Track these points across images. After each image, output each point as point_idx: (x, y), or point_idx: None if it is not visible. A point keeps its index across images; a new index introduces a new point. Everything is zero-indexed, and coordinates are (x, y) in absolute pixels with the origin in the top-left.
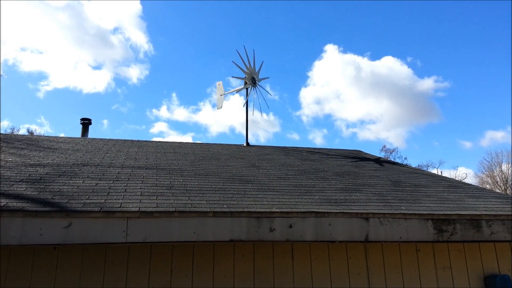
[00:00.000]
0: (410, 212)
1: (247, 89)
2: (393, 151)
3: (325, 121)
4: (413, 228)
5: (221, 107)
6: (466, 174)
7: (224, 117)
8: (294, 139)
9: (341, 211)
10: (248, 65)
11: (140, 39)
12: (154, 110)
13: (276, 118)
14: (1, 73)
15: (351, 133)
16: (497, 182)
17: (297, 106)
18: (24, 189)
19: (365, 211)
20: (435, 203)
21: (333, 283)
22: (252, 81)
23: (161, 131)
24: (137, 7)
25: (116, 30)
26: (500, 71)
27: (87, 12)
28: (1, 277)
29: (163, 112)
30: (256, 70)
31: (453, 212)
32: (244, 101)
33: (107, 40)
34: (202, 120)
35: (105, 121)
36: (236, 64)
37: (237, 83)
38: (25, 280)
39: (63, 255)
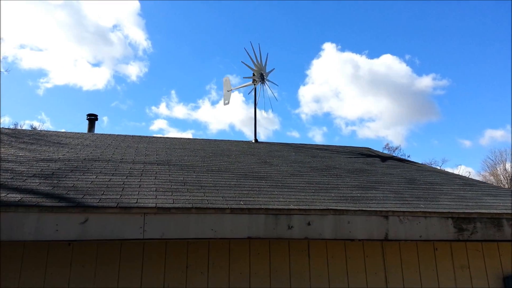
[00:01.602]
0: (430, 210)
1: (255, 85)
2: (396, 149)
3: (324, 119)
4: (433, 226)
5: (228, 102)
6: (469, 172)
7: (224, 114)
8: (294, 137)
9: (360, 208)
10: (256, 61)
11: (139, 37)
12: (153, 108)
13: (276, 115)
14: (1, 69)
15: (351, 131)
16: (500, 180)
17: (296, 104)
18: (37, 184)
19: (384, 209)
20: (453, 201)
21: (350, 282)
22: (260, 77)
23: (161, 128)
24: (136, 4)
25: (115, 27)
26: (499, 70)
27: (85, 10)
28: (15, 274)
29: (162, 109)
30: (263, 65)
31: (473, 211)
32: (245, 98)
33: (106, 37)
34: (202, 118)
35: (105, 118)
36: (244, 64)
37: (237, 81)
38: (39, 277)
39: (77, 251)
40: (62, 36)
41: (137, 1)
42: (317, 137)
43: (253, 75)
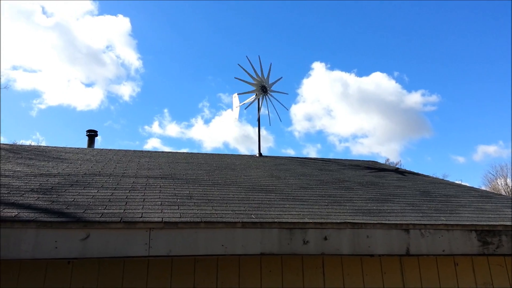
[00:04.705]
0: (452, 223)
1: (258, 99)
2: (397, 163)
3: (318, 137)
4: (456, 240)
5: (237, 118)
6: None
7: (217, 133)
8: (289, 154)
9: (379, 222)
10: (256, 74)
11: (131, 57)
12: (146, 127)
13: (269, 133)
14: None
15: (344, 147)
16: (501, 195)
17: (288, 122)
18: (35, 199)
19: (405, 222)
20: (474, 213)
21: None
22: (262, 89)
23: (155, 147)
24: (127, 25)
25: (107, 48)
26: (488, 85)
27: (76, 31)
28: None
29: (155, 128)
30: (266, 77)
31: (497, 223)
32: (239, 115)
33: (99, 58)
34: (195, 136)
35: (99, 138)
36: (239, 79)
37: (230, 99)
38: None
39: (78, 270)
40: (55, 57)
41: (128, 22)
42: (312, 154)
43: (254, 89)
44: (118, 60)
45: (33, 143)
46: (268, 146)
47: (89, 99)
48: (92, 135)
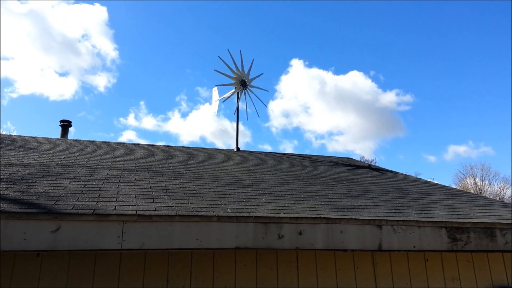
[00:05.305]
0: (423, 219)
1: (237, 93)
2: (371, 161)
3: (294, 133)
4: (427, 236)
5: (215, 112)
6: None
7: (194, 126)
8: (266, 149)
9: (353, 217)
10: (236, 68)
11: (107, 47)
12: (121, 119)
13: (246, 128)
14: None
15: (320, 144)
16: (470, 193)
17: (266, 118)
18: (4, 189)
19: (377, 218)
20: (444, 211)
21: None
22: (241, 84)
23: (130, 140)
24: (104, 14)
25: (83, 37)
26: (459, 86)
27: (51, 19)
28: None
29: (130, 120)
30: (246, 72)
31: (466, 220)
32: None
33: (74, 47)
34: (172, 129)
35: (72, 129)
36: (218, 72)
37: (208, 93)
38: None
39: (47, 262)
40: (29, 45)
41: (105, 11)
42: (289, 150)
43: (233, 82)
44: (94, 50)
45: (4, 133)
46: (245, 141)
47: (62, 89)
48: (65, 125)
